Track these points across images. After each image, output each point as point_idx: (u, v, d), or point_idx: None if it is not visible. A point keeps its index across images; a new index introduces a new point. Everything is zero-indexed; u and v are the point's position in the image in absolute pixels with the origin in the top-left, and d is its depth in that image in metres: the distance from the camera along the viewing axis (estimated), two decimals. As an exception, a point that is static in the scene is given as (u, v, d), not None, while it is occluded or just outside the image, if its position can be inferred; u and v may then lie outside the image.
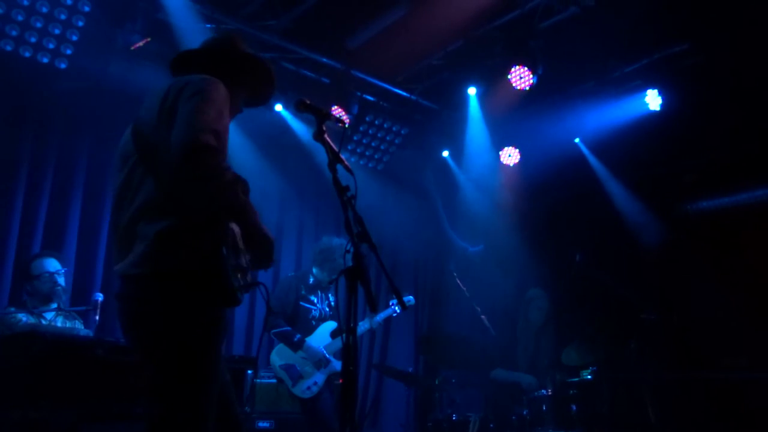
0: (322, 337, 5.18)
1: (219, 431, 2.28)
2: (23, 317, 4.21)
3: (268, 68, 2.61)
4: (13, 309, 4.32)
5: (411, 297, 5.71)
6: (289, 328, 5.09)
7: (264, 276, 6.53)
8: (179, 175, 2.05)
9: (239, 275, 2.19)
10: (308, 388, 5.00)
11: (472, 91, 6.36)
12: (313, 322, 5.25)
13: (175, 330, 2.08)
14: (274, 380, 5.19)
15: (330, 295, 5.40)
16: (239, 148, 5.97)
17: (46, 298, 4.31)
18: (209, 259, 2.08)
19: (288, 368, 5.04)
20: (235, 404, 2.39)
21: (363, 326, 5.34)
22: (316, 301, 5.32)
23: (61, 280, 4.39)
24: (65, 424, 3.16)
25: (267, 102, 2.78)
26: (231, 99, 2.48)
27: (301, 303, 5.25)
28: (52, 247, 5.22)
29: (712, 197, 6.33)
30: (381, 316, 5.47)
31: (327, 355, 5.08)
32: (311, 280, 5.35)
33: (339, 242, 5.29)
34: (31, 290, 4.35)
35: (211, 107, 2.13)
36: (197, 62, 2.48)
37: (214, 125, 2.09)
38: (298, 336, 5.05)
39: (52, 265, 4.39)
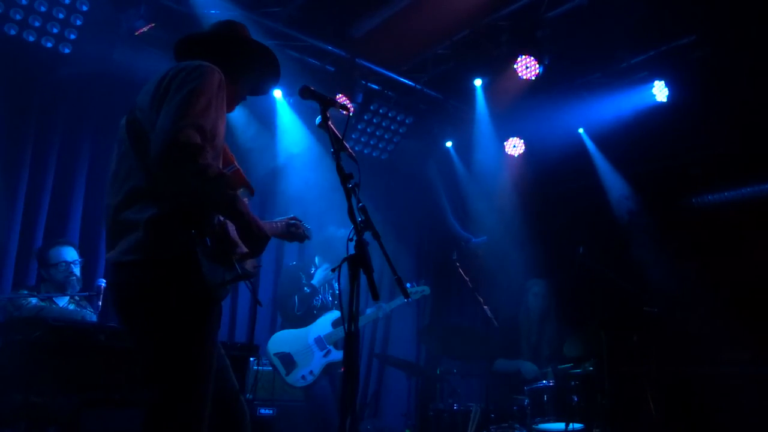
0: (322, 326, 5.18)
1: (224, 417, 2.28)
2: (33, 300, 4.24)
3: (273, 57, 2.60)
4: (25, 291, 4.36)
5: (426, 287, 5.62)
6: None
7: (266, 264, 6.54)
8: (157, 170, 2.03)
9: (225, 267, 2.15)
10: (302, 377, 4.99)
11: (478, 82, 6.32)
12: (315, 312, 5.25)
13: (164, 316, 2.08)
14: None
15: (334, 283, 5.38)
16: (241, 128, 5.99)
17: (61, 287, 4.35)
18: (186, 249, 2.06)
19: (282, 356, 5.04)
20: (237, 390, 2.39)
21: (371, 314, 5.35)
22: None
23: (77, 270, 4.42)
24: (67, 410, 3.17)
25: (270, 90, 2.77)
26: (235, 86, 2.48)
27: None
28: (56, 233, 5.23)
29: (717, 191, 6.30)
30: (390, 306, 5.45)
31: (321, 346, 5.07)
32: (312, 269, 5.34)
33: (344, 233, 5.26)
34: (46, 277, 4.39)
35: (199, 98, 2.08)
36: (202, 47, 2.46)
37: (199, 120, 2.04)
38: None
39: (70, 254, 4.42)
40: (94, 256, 5.43)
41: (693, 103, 5.87)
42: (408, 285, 5.52)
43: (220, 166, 2.30)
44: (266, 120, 6.34)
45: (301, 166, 6.34)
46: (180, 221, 2.08)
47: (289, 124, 6.40)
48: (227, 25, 2.60)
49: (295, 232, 2.78)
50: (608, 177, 6.80)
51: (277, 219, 2.84)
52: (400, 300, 5.44)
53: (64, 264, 4.35)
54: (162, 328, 2.08)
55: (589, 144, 6.82)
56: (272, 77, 2.67)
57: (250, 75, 2.57)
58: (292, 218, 2.83)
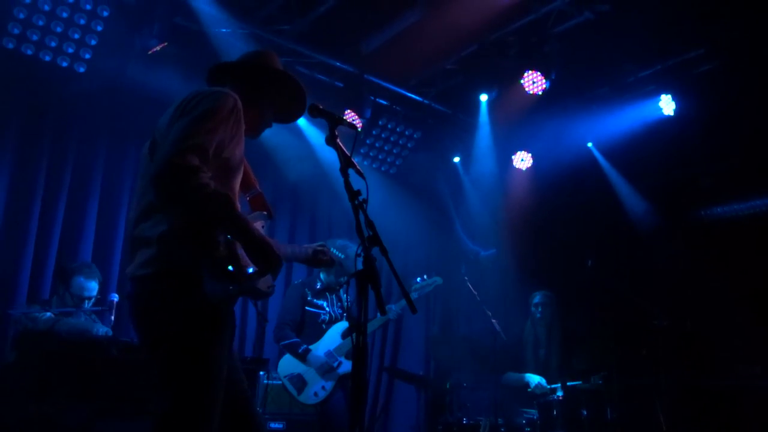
0: (331, 339, 5.17)
1: (237, 427, 2.31)
2: (47, 314, 4.32)
3: (300, 87, 2.66)
4: (38, 306, 4.43)
5: (438, 278, 5.51)
6: (296, 339, 5.07)
7: (276, 282, 6.56)
8: (155, 189, 2.09)
9: (229, 282, 2.18)
10: (315, 393, 4.98)
11: (483, 97, 6.38)
12: (324, 326, 5.24)
13: (173, 326, 2.13)
14: (284, 383, 5.21)
15: (343, 294, 5.38)
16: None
17: (71, 306, 4.44)
18: (191, 263, 2.12)
19: (292, 378, 5.04)
20: (251, 400, 2.42)
21: (381, 317, 5.34)
22: (325, 305, 5.30)
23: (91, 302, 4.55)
24: (79, 420, 3.21)
25: (296, 119, 2.84)
26: (257, 112, 2.54)
27: (307, 309, 5.22)
28: (70, 248, 5.31)
29: (726, 203, 6.30)
30: (400, 305, 5.43)
31: (332, 361, 5.05)
32: (318, 284, 5.34)
33: (342, 244, 5.26)
34: (62, 294, 4.48)
35: (204, 122, 2.14)
36: (231, 74, 2.56)
37: (200, 141, 2.10)
38: (303, 347, 5.04)
39: (94, 289, 4.51)
40: (106, 272, 5.49)
41: (700, 116, 5.89)
42: (418, 279, 5.49)
43: (235, 188, 2.35)
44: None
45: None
46: (188, 237, 2.15)
47: (311, 131, 6.52)
48: (256, 55, 2.68)
49: (322, 259, 2.83)
50: (617, 190, 6.81)
51: (304, 245, 2.90)
52: (402, 304, 5.41)
53: (86, 298, 4.45)
54: (172, 338, 2.13)
55: (599, 157, 6.84)
56: (296, 106, 2.73)
57: (272, 102, 2.63)
58: (320, 245, 2.88)
